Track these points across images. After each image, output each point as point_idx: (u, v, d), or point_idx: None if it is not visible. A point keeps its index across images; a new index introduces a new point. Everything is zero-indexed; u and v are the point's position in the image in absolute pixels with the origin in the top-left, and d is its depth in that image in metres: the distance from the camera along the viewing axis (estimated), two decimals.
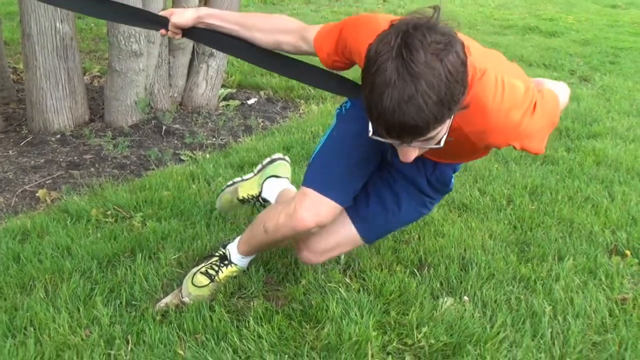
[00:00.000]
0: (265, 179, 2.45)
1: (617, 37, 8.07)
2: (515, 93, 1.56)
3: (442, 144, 1.47)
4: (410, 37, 1.31)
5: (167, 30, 1.99)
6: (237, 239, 2.21)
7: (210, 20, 1.97)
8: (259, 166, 2.55)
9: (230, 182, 2.56)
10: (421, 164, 1.98)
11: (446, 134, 1.47)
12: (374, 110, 1.37)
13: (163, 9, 3.68)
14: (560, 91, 1.82)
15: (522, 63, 6.30)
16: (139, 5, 3.47)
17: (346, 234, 2.08)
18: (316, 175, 1.94)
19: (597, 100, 5.02)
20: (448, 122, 1.44)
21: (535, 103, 1.59)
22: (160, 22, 2.00)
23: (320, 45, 1.80)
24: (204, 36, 2.02)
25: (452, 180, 2.09)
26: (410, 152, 1.50)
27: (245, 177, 2.55)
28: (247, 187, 2.48)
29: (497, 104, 1.54)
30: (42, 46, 3.47)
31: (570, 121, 4.35)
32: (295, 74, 2.08)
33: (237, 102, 4.54)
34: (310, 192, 1.89)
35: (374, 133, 1.44)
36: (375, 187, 2.05)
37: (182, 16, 1.96)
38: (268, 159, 2.54)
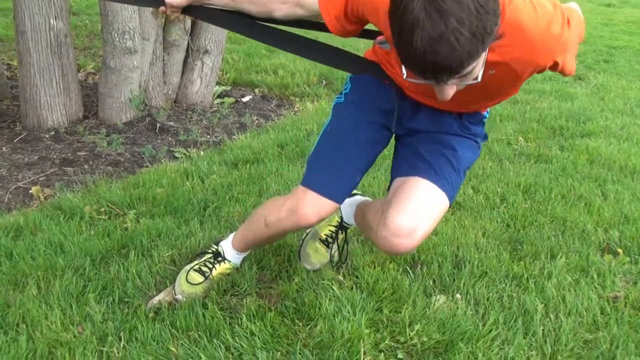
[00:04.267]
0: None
1: (611, 35, 8.09)
2: (546, 8, 1.53)
3: (479, 79, 1.42)
4: None
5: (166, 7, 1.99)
6: (231, 235, 2.21)
7: None
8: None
9: (305, 235, 2.42)
10: (447, 117, 1.92)
11: (483, 67, 1.42)
12: (405, 53, 1.33)
13: None
14: (577, 7, 1.78)
15: None
16: None
17: (433, 201, 1.83)
18: (314, 174, 1.91)
19: (591, 99, 5.04)
20: (484, 55, 1.39)
21: (567, 16, 1.56)
22: (158, 1, 2.00)
23: (327, 8, 1.73)
24: (202, 13, 2.02)
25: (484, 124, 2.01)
26: (447, 90, 1.45)
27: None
28: (324, 225, 2.41)
29: (535, 22, 1.51)
30: (36, 43, 3.47)
31: (564, 120, 4.36)
32: (296, 49, 2.02)
33: (231, 100, 4.54)
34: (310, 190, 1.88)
35: (407, 76, 1.40)
36: (419, 150, 1.91)
37: None
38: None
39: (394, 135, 2.00)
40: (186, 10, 2.00)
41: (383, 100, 1.91)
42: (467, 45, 1.27)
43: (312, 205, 1.85)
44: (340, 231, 2.42)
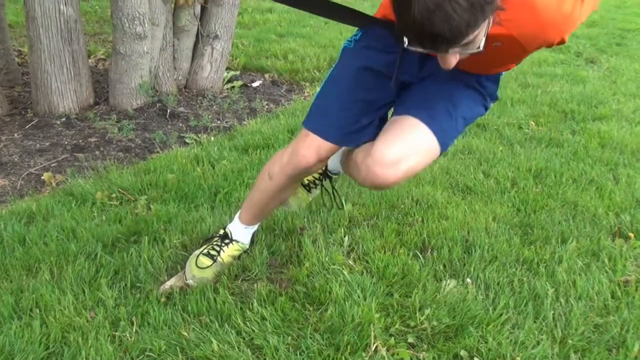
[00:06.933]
0: None
1: (624, 18, 8.00)
2: None
3: (482, 47, 1.40)
4: None
5: None
6: (237, 214, 2.23)
7: None
8: None
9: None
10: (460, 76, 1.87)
11: (485, 37, 1.40)
12: (403, 22, 1.32)
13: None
14: None
15: None
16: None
17: (422, 138, 1.83)
18: (315, 116, 1.96)
19: (603, 83, 4.99)
20: (485, 25, 1.36)
21: None
22: None
23: None
24: None
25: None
26: (449, 59, 1.44)
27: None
28: None
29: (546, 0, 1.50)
30: (46, 29, 3.47)
31: (576, 103, 4.33)
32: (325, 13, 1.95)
33: (240, 83, 4.54)
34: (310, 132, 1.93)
35: (409, 44, 1.38)
36: (424, 97, 1.89)
37: None
38: None
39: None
40: None
41: (392, 49, 1.84)
42: (465, 15, 1.26)
43: (310, 147, 1.90)
44: (324, 178, 2.44)
